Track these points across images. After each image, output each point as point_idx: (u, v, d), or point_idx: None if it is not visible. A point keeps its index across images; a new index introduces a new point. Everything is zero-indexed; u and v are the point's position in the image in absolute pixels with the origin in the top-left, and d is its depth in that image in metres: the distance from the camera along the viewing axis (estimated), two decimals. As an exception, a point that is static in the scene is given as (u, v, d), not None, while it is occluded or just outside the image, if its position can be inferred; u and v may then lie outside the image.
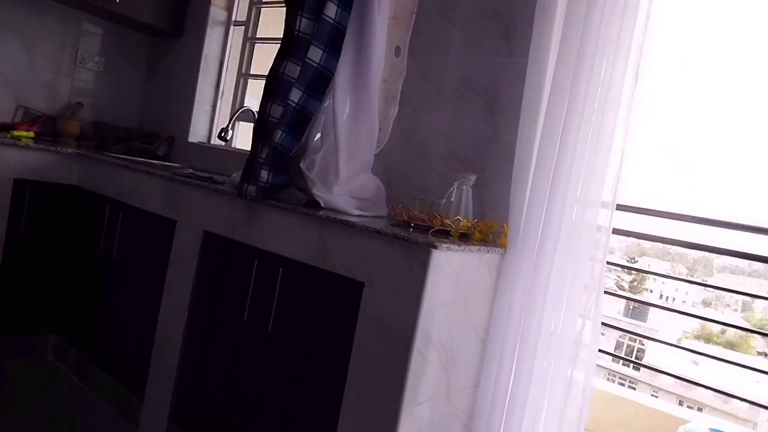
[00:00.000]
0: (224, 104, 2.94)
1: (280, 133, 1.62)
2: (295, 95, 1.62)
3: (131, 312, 2.06)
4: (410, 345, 1.27)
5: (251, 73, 2.89)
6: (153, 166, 2.25)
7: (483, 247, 1.48)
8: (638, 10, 1.47)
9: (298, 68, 1.60)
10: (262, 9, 2.87)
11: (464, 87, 1.85)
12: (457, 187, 1.68)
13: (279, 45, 1.67)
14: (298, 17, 1.59)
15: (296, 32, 1.60)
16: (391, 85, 1.98)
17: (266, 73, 1.70)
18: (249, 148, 1.69)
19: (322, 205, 1.62)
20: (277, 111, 1.61)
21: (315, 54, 1.61)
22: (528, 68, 1.58)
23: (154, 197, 2.00)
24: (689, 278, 7.78)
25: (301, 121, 1.67)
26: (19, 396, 2.03)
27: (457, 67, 1.87)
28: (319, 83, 1.66)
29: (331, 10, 1.60)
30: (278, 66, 1.62)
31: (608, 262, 1.58)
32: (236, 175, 1.81)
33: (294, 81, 1.61)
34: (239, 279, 1.66)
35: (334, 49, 1.65)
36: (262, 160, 1.62)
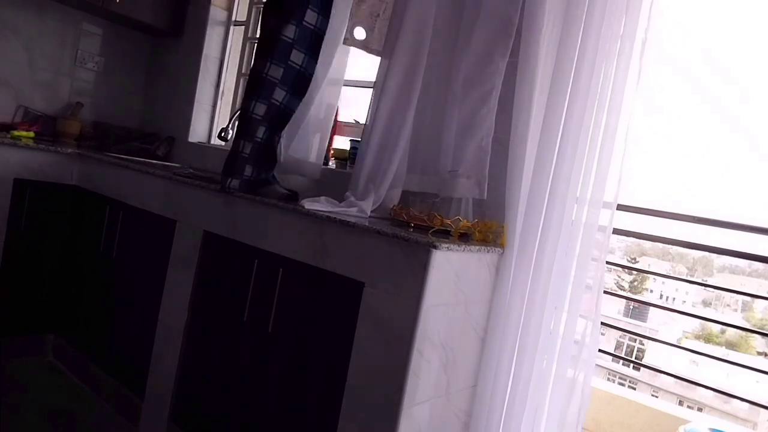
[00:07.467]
0: (224, 104, 2.94)
1: (263, 129, 1.75)
2: (279, 95, 1.75)
3: (131, 312, 2.06)
4: (410, 345, 1.27)
5: (251, 73, 2.89)
6: (153, 166, 2.25)
7: (483, 247, 1.48)
8: (641, 9, 1.46)
9: (281, 70, 1.73)
10: (262, 9, 2.87)
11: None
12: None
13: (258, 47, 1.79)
14: (286, 24, 1.72)
15: (282, 36, 1.72)
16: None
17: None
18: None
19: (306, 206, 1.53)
20: (260, 109, 1.73)
21: (297, 57, 1.76)
22: (518, 67, 1.58)
23: (154, 197, 2.00)
24: (689, 278, 7.80)
25: (283, 119, 1.81)
26: (19, 396, 2.03)
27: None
28: (301, 84, 1.81)
29: (312, 18, 1.75)
30: (261, 68, 1.72)
31: (608, 262, 1.58)
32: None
33: (277, 82, 1.73)
34: (239, 279, 1.66)
35: (314, 53, 1.81)
36: (246, 156, 1.72)
